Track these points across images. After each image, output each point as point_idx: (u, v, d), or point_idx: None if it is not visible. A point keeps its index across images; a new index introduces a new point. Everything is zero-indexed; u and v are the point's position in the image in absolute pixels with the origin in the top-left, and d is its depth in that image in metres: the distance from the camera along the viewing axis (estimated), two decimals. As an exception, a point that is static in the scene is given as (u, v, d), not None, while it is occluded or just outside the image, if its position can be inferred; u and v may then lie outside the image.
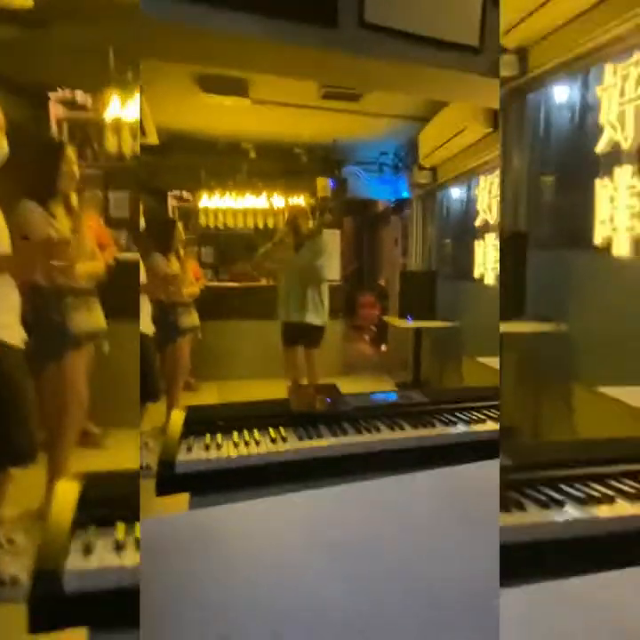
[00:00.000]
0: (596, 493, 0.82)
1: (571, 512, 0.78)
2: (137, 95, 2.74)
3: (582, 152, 2.43)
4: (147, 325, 2.52)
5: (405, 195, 4.99)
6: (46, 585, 0.61)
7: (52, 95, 2.99)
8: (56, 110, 3.04)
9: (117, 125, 3.01)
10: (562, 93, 2.60)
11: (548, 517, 0.78)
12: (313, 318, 3.10)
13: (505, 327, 2.35)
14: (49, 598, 0.61)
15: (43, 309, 1.73)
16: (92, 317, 1.82)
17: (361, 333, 7.07)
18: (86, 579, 0.63)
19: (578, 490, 0.83)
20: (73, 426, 1.84)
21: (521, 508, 0.80)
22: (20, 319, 1.49)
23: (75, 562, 0.65)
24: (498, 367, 2.42)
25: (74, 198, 1.80)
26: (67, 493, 0.74)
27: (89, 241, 1.85)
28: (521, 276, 2.36)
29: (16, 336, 1.44)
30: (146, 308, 2.53)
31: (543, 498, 0.82)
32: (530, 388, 2.61)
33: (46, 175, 1.73)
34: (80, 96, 3.04)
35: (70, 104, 3.06)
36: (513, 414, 2.64)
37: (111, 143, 3.05)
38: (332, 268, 5.38)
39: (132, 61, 2.62)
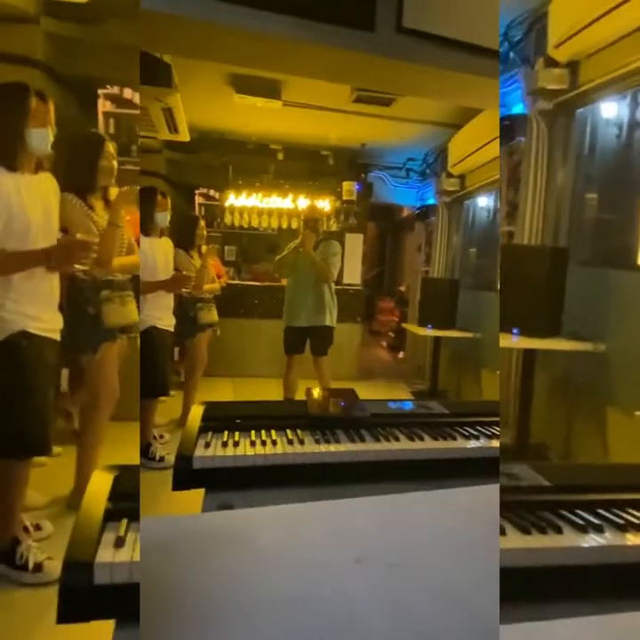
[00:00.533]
0: (634, 520, 0.79)
1: (609, 537, 0.75)
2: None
3: (628, 170, 2.37)
4: (167, 320, 2.55)
5: (431, 201, 4.95)
6: (76, 576, 0.62)
7: (100, 91, 3.13)
8: (104, 106, 3.17)
9: (231, 209, 4.13)
10: (610, 110, 2.54)
11: (585, 542, 0.75)
12: (325, 319, 3.02)
13: (540, 344, 2.29)
14: (78, 590, 0.62)
15: (79, 301, 1.78)
16: (125, 311, 1.85)
17: (378, 339, 7.03)
18: (116, 571, 0.63)
19: (616, 515, 0.80)
20: (104, 417, 1.89)
21: (558, 530, 0.77)
22: (55, 311, 1.52)
23: (105, 554, 0.65)
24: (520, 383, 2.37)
25: (113, 192, 1.84)
26: (99, 485, 0.75)
27: (127, 235, 1.88)
28: (559, 292, 2.29)
29: (43, 327, 1.46)
30: (166, 303, 2.55)
31: (581, 522, 0.79)
32: (562, 408, 2.54)
33: (86, 169, 1.79)
34: (128, 93, 3.16)
35: (117, 100, 3.17)
36: (543, 433, 2.57)
37: (228, 219, 4.18)
38: (353, 272, 5.39)
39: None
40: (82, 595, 0.62)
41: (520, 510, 0.81)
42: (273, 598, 0.56)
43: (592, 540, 0.76)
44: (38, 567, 1.45)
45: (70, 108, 2.85)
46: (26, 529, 1.57)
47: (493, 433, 1.39)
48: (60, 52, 2.66)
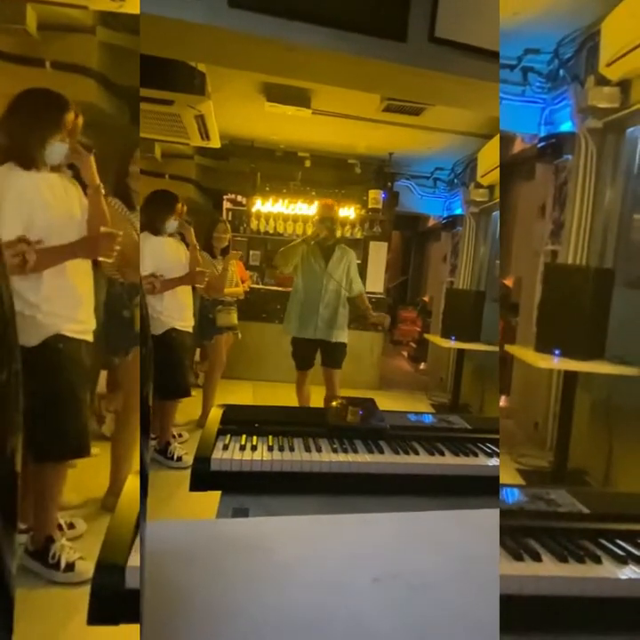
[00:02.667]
0: None
1: None
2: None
3: None
4: (186, 320, 2.57)
5: (458, 211, 4.88)
6: (108, 579, 0.62)
7: (224, 197, 5.10)
8: (226, 205, 5.20)
9: (257, 214, 5.23)
10: None
11: (624, 573, 0.71)
12: (339, 335, 2.76)
13: (582, 366, 2.22)
14: (110, 592, 0.62)
15: (115, 306, 1.88)
16: (230, 317, 2.94)
17: (400, 349, 6.95)
18: None
19: None
20: (218, 379, 2.48)
21: (597, 560, 0.74)
22: (89, 311, 1.54)
23: (137, 558, 0.65)
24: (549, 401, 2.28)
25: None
26: (134, 488, 0.76)
27: (235, 277, 2.90)
28: (604, 314, 2.21)
29: (77, 328, 1.48)
30: (185, 303, 2.56)
31: (621, 552, 0.75)
32: (604, 433, 2.45)
33: (119, 175, 1.99)
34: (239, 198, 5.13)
35: (233, 202, 5.20)
36: (582, 457, 2.49)
37: (254, 224, 5.30)
38: (376, 281, 5.35)
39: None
40: (113, 597, 0.62)
41: (558, 537, 0.78)
42: (287, 613, 0.55)
43: (631, 572, 0.72)
44: (70, 567, 1.46)
45: (122, 116, 2.96)
46: (60, 527, 1.59)
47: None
48: (114, 61, 2.77)
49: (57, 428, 1.43)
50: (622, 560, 0.74)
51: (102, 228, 1.47)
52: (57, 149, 1.44)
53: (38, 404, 1.34)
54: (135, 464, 1.87)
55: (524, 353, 2.50)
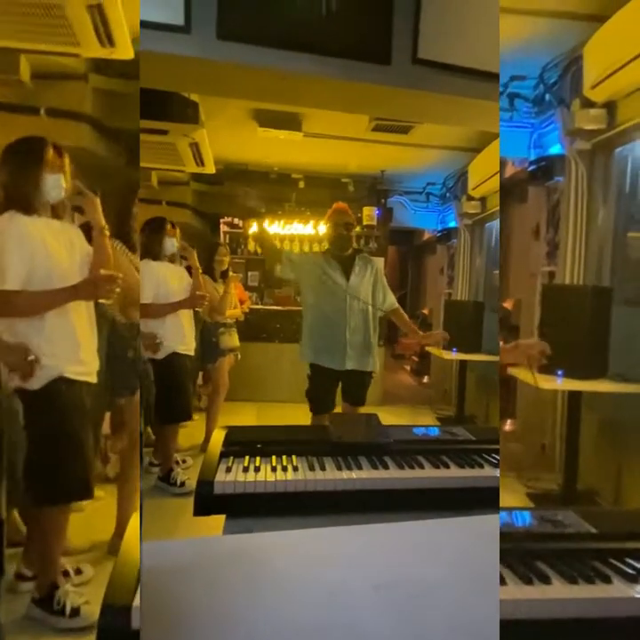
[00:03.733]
0: None
1: None
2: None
3: None
4: (188, 344, 2.58)
5: (452, 224, 4.94)
6: (114, 620, 0.61)
7: (221, 220, 5.27)
8: (223, 228, 5.38)
9: (254, 236, 5.31)
10: None
11: (636, 592, 0.70)
12: (369, 363, 2.22)
13: (586, 386, 2.21)
14: (116, 634, 0.61)
15: (120, 346, 1.87)
16: (232, 339, 3.09)
17: (402, 363, 6.92)
18: None
19: None
20: (221, 404, 2.56)
21: (607, 580, 0.73)
22: (92, 352, 1.54)
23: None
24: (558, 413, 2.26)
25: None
26: (137, 529, 0.75)
27: (234, 299, 3.04)
28: (604, 332, 2.22)
29: (81, 370, 1.47)
30: (186, 326, 2.57)
31: (631, 571, 0.74)
32: (611, 452, 2.43)
33: (122, 216, 2.03)
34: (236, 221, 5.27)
35: (230, 225, 5.41)
36: (592, 478, 2.45)
37: (251, 246, 5.44)
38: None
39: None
40: (120, 639, 0.61)
41: (566, 558, 0.77)
42: (287, 623, 0.54)
43: None
44: (75, 611, 1.43)
45: (118, 159, 3.03)
46: (66, 573, 1.56)
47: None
48: (107, 106, 2.85)
49: (58, 472, 1.41)
50: (633, 579, 0.73)
51: (102, 271, 1.49)
52: (51, 183, 1.47)
53: (40, 448, 1.33)
54: (137, 503, 1.85)
55: (527, 375, 2.48)
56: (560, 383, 2.20)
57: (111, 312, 1.87)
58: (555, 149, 2.89)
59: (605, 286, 2.59)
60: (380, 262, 2.34)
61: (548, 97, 2.92)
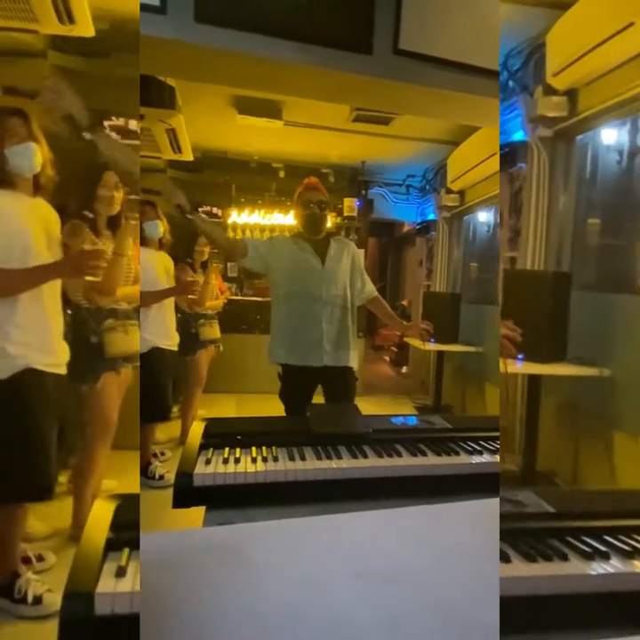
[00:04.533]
0: None
1: (616, 564, 0.74)
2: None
3: (630, 195, 2.39)
4: (171, 339, 2.51)
5: (432, 217, 5.00)
6: (77, 607, 0.61)
7: (106, 123, 3.12)
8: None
9: (234, 226, 3.95)
10: (610, 136, 2.57)
11: (592, 569, 0.73)
12: (348, 357, 1.92)
13: (545, 369, 2.27)
14: (79, 620, 0.61)
15: (82, 331, 1.75)
16: (129, 340, 1.82)
17: (381, 354, 7.00)
18: (117, 601, 0.63)
19: (623, 542, 0.79)
20: (104, 447, 1.85)
21: (564, 558, 0.76)
22: (61, 340, 1.47)
23: (106, 584, 0.65)
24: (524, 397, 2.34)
25: (122, 222, 1.83)
26: (100, 515, 0.74)
27: (134, 265, 1.87)
28: (563, 317, 2.27)
29: (50, 361, 1.40)
30: (169, 320, 2.51)
31: (588, 549, 0.78)
32: (569, 433, 2.52)
33: (86, 197, 1.80)
34: (133, 125, 3.15)
35: (122, 131, 3.18)
36: (551, 459, 2.54)
37: (231, 236, 3.78)
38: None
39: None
40: (83, 625, 0.61)
41: (525, 538, 0.80)
42: (269, 615, 0.55)
43: (599, 568, 0.74)
44: (37, 600, 1.42)
45: (78, 140, 2.91)
46: (28, 560, 1.54)
47: (497, 448, 1.38)
48: (68, 84, 2.73)
49: (19, 471, 1.34)
50: (589, 556, 0.76)
51: (86, 246, 1.42)
52: (18, 153, 1.37)
53: (1, 444, 1.27)
54: (95, 492, 1.80)
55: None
56: (520, 366, 2.25)
57: (72, 296, 1.75)
58: (518, 136, 2.92)
59: (565, 271, 2.65)
60: (355, 246, 2.05)
61: (511, 84, 2.95)
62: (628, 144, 2.45)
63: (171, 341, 2.50)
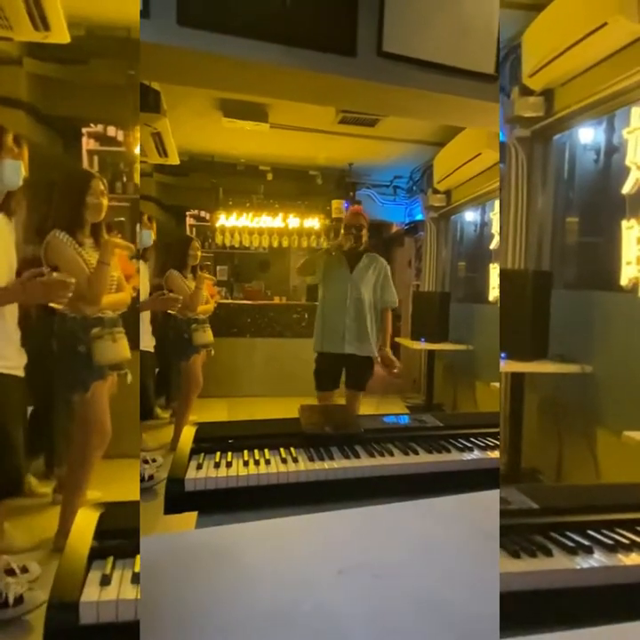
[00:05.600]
0: (625, 540, 0.78)
1: (599, 558, 0.75)
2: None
3: (607, 193, 2.42)
4: (146, 342, 2.50)
5: (419, 217, 5.03)
6: (62, 616, 0.60)
7: (84, 130, 3.14)
8: (88, 144, 3.17)
9: (222, 229, 3.98)
10: (587, 135, 2.61)
11: (576, 563, 0.74)
12: (368, 348, 2.44)
13: (527, 367, 2.30)
14: (64, 630, 0.60)
15: (70, 340, 1.73)
16: (117, 347, 1.80)
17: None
18: (102, 610, 0.62)
19: (606, 536, 0.80)
20: (95, 455, 1.82)
21: (548, 553, 0.77)
22: (19, 348, 1.47)
23: (91, 593, 0.64)
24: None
25: (103, 230, 1.84)
26: (85, 523, 0.73)
27: (117, 272, 1.86)
28: (544, 315, 2.30)
29: (8, 365, 1.42)
30: (145, 326, 2.51)
31: (571, 544, 0.78)
32: (552, 430, 2.54)
33: (73, 205, 1.75)
34: (112, 131, 3.19)
35: (102, 138, 3.21)
36: (534, 456, 2.56)
37: (219, 239, 4.00)
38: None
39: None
40: (68, 635, 0.61)
41: (509, 534, 0.81)
42: (255, 613, 0.55)
43: (583, 562, 0.75)
44: (19, 600, 1.40)
45: (55, 147, 2.87)
46: (12, 571, 1.50)
47: (487, 444, 1.39)
48: (44, 92, 2.69)
49: None
50: (572, 551, 0.77)
51: (55, 274, 1.40)
52: (10, 168, 1.39)
53: None
54: (83, 501, 1.77)
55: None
56: (503, 365, 2.28)
57: (59, 305, 1.73)
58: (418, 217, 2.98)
59: (545, 270, 2.68)
60: (385, 263, 2.59)
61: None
62: (605, 143, 2.49)
63: (146, 343, 2.50)
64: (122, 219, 2.93)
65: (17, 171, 1.42)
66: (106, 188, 1.82)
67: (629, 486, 1.11)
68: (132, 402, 2.03)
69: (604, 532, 0.81)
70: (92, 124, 3.14)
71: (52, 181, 1.67)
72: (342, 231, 2.50)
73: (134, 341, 2.14)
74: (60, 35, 1.96)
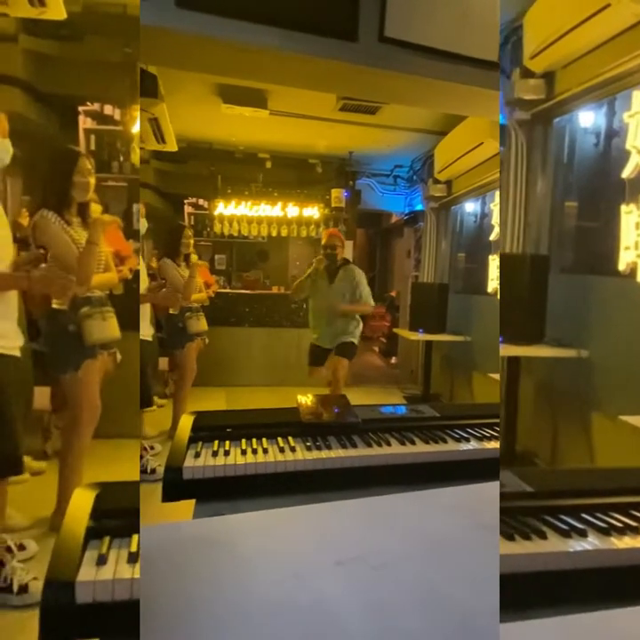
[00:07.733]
0: (618, 523, 0.79)
1: (593, 541, 0.76)
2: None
3: (607, 177, 2.41)
4: (145, 330, 2.50)
5: (419, 207, 5.00)
6: (58, 595, 0.61)
7: (81, 108, 3.10)
8: (85, 123, 3.15)
9: (221, 217, 4.17)
10: (587, 118, 2.59)
11: (570, 546, 0.75)
12: (348, 338, 3.06)
13: (524, 351, 2.30)
14: (60, 609, 0.60)
15: (59, 320, 1.74)
16: (107, 326, 1.81)
17: (370, 344, 7.03)
18: (98, 589, 0.63)
19: (600, 519, 0.80)
20: (87, 434, 1.83)
21: (542, 536, 0.77)
22: (16, 327, 1.48)
23: (87, 572, 0.64)
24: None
25: (95, 209, 1.81)
26: (81, 503, 0.74)
27: (104, 252, 1.85)
28: (541, 299, 2.31)
29: (7, 345, 1.43)
30: (143, 313, 2.51)
31: (565, 527, 0.79)
32: (548, 414, 2.56)
33: (61, 184, 1.73)
34: (109, 110, 3.14)
35: (99, 117, 3.15)
36: (530, 440, 2.58)
37: (218, 228, 4.18)
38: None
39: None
40: (64, 614, 0.61)
41: (504, 517, 0.82)
42: (253, 603, 0.55)
43: (576, 545, 0.76)
44: (24, 588, 1.42)
45: (51, 125, 2.83)
46: (10, 549, 1.53)
47: (484, 435, 1.40)
48: (40, 69, 2.65)
49: None
50: (566, 534, 0.78)
51: (61, 273, 1.42)
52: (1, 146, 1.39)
53: None
54: (80, 479, 1.79)
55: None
56: (500, 349, 2.29)
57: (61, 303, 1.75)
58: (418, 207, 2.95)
59: (543, 254, 2.67)
60: (359, 270, 3.18)
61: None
62: (605, 127, 2.47)
63: (145, 331, 2.49)
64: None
65: (6, 148, 1.41)
66: (93, 167, 1.79)
67: (624, 470, 1.12)
68: (132, 385, 2.03)
69: (598, 515, 0.82)
70: (88, 103, 3.10)
71: (42, 159, 1.65)
72: (323, 251, 3.08)
73: (134, 325, 2.14)
74: (56, 11, 1.92)
